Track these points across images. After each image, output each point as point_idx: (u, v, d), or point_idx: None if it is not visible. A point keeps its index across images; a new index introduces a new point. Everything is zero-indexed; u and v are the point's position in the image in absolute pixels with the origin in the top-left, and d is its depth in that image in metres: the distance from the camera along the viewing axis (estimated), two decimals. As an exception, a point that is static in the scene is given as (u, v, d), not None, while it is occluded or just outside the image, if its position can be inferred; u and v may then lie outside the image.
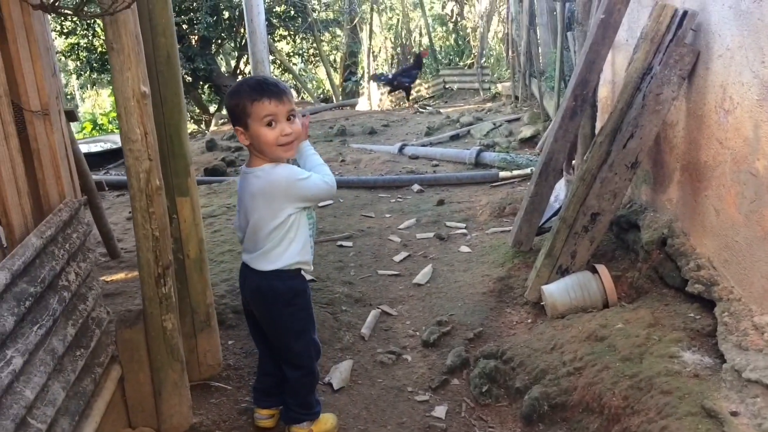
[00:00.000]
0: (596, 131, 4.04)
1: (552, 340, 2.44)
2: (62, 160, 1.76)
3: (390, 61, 21.41)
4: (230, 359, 2.56)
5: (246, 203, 1.97)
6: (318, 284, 3.31)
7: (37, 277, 1.45)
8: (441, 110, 11.17)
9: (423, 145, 6.86)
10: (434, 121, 8.52)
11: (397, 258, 3.74)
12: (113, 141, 8.55)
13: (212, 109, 14.60)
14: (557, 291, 2.72)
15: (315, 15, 15.27)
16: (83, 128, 18.03)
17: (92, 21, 11.91)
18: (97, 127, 17.97)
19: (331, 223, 4.47)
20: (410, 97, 17.11)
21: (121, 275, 3.51)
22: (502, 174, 5.21)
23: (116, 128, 17.22)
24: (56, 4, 1.61)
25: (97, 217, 3.58)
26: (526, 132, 6.26)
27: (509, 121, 7.76)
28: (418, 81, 17.77)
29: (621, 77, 3.43)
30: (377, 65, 21.83)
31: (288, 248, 1.95)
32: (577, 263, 2.79)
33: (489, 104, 12.11)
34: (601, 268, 2.71)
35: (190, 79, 12.74)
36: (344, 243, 4.01)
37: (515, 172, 5.19)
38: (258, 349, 2.21)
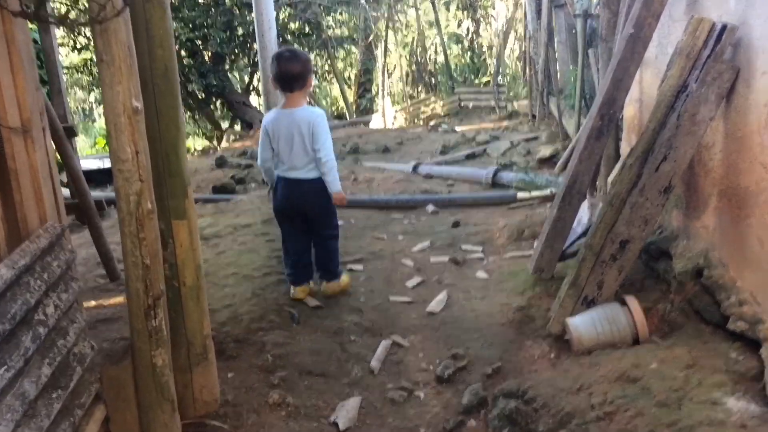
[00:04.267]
0: (621, 152, 3.88)
1: (578, 379, 2.25)
2: (44, 180, 1.63)
3: (405, 79, 21.43)
4: (229, 394, 2.40)
5: (291, 133, 3.07)
6: (325, 311, 3.15)
7: (6, 312, 1.31)
8: (456, 128, 11.05)
9: (438, 164, 6.72)
10: (449, 139, 8.39)
11: (410, 283, 3.58)
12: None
13: (224, 125, 14.59)
14: (583, 324, 2.53)
15: (329, 32, 15.27)
16: (96, 143, 18.12)
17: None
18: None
19: (342, 245, 4.28)
20: (426, 116, 17.06)
21: (118, 299, 3.38)
22: (520, 195, 5.04)
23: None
24: (40, 12, 1.48)
25: (96, 237, 3.46)
26: (545, 151, 6.10)
27: (527, 140, 7.61)
28: (432, 98, 17.72)
29: (649, 95, 3.27)
30: (391, 82, 21.84)
31: None
32: (604, 294, 2.61)
33: (506, 122, 11.97)
34: (631, 300, 2.53)
35: (202, 95, 12.76)
36: (354, 266, 3.85)
37: (534, 193, 5.01)
38: (294, 246, 3.31)
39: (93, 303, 3.22)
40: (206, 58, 12.53)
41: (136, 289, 1.75)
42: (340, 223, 4.52)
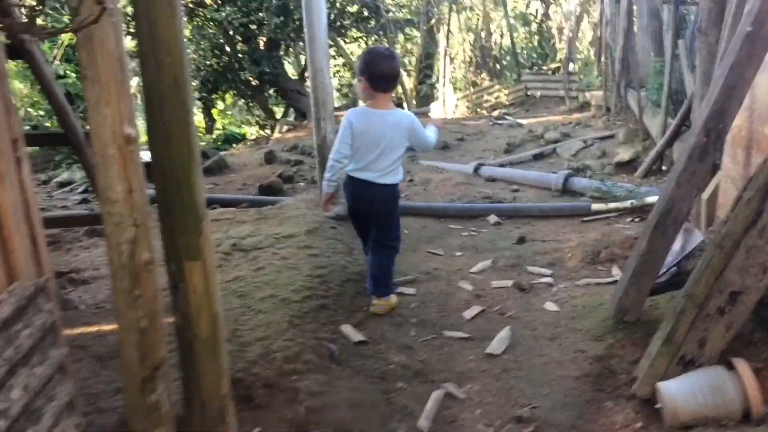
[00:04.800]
0: (722, 167, 3.37)
1: (676, 469, 1.85)
2: (17, 226, 1.35)
3: (467, 65, 20.81)
4: (253, 457, 2.11)
5: (380, 135, 3.06)
6: (370, 348, 2.82)
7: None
8: (522, 121, 10.50)
9: (502, 165, 6.28)
10: (515, 135, 7.91)
11: (468, 314, 3.20)
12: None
13: (279, 113, 14.46)
14: (680, 392, 2.11)
15: (388, 15, 14.86)
16: None
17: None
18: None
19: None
20: (489, 105, 16.47)
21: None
22: (595, 206, 4.57)
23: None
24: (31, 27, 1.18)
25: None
26: (624, 154, 5.56)
27: (601, 139, 7.06)
28: (497, 86, 17.10)
29: (764, 104, 2.78)
30: (453, 68, 21.27)
31: (399, 170, 3.19)
32: (706, 354, 2.18)
33: (576, 115, 11.32)
34: (741, 365, 2.09)
35: (256, 82, 12.61)
36: (406, 290, 3.51)
37: (611, 205, 4.53)
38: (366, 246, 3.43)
39: (94, 329, 2.96)
40: (261, 44, 12.36)
41: (130, 357, 1.46)
42: None
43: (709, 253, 2.13)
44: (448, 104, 18.60)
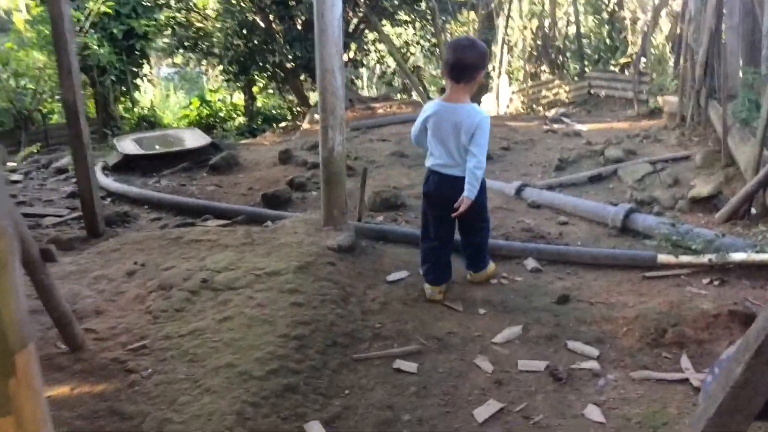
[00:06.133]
0: None
1: None
2: None
3: (527, 55, 19.81)
4: None
5: (448, 128, 3.26)
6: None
7: None
8: (580, 127, 9.65)
9: (550, 188, 5.52)
10: (569, 148, 7.11)
11: (481, 414, 2.53)
12: (174, 140, 7.82)
13: (312, 100, 13.88)
14: None
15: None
16: (191, 103, 18.00)
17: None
18: (205, 104, 17.84)
19: (395, 313, 3.32)
20: (547, 101, 15.54)
21: (66, 388, 2.59)
22: (663, 258, 3.80)
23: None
24: None
25: (46, 299, 2.67)
26: (701, 188, 4.74)
27: (674, 160, 6.21)
28: (557, 81, 16.13)
29: None
30: (511, 58, 20.30)
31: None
32: None
33: (645, 122, 10.38)
34: None
35: (291, 64, 12.03)
36: (404, 365, 2.85)
37: (683, 259, 3.76)
38: (438, 233, 3.47)
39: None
40: (298, 24, 11.76)
41: None
42: (402, 275, 3.78)
43: None
44: (502, 98, 17.70)
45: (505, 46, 20.04)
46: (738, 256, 3.62)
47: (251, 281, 3.43)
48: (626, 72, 16.42)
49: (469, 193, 3.23)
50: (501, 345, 3.06)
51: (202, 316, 3.12)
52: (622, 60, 16.78)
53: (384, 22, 13.72)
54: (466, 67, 3.22)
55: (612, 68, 16.51)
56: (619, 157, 6.19)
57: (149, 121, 15.48)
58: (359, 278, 3.72)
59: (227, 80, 12.41)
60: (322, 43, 3.88)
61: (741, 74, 7.10)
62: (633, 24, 18.30)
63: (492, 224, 4.70)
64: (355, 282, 3.64)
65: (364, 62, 15.61)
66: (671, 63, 16.11)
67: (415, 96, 14.89)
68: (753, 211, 4.31)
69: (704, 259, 3.69)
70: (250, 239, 4.05)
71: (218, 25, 10.81)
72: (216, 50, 10.81)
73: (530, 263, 3.95)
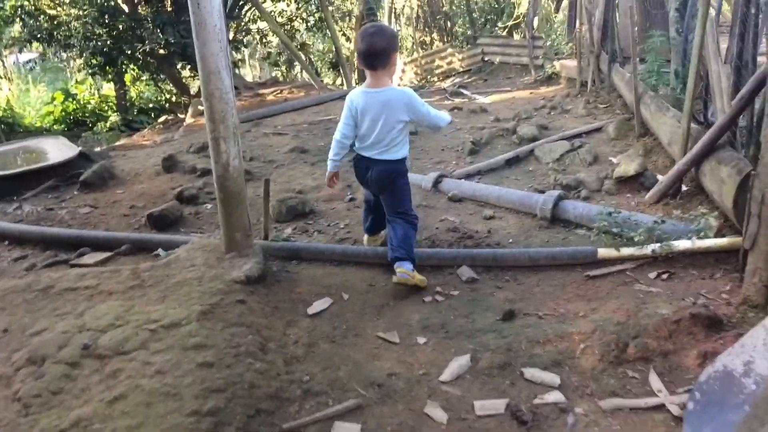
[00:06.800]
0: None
1: None
2: None
3: (415, 23, 19.59)
4: None
5: (378, 113, 3.43)
6: None
7: None
8: (482, 99, 9.49)
9: (469, 176, 5.24)
10: (479, 127, 6.87)
11: (444, 484, 2.18)
12: (35, 152, 6.89)
13: (194, 89, 12.98)
14: None
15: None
16: (54, 98, 16.48)
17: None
18: (71, 98, 16.43)
19: (324, 357, 2.92)
20: (441, 71, 15.38)
21: None
22: (603, 252, 3.60)
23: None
24: None
25: None
26: (627, 167, 4.58)
27: (587, 134, 6.10)
28: (449, 50, 15.99)
29: None
30: (399, 27, 20.01)
31: (403, 146, 3.58)
32: None
33: (545, 89, 10.41)
34: None
35: (164, 51, 11.10)
36: (344, 428, 2.46)
37: (624, 251, 3.58)
38: (372, 203, 3.87)
39: None
40: (167, 5, 10.84)
41: None
42: (325, 304, 3.45)
43: None
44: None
45: (393, 13, 19.76)
46: (682, 245, 3.46)
47: (145, 340, 2.90)
48: (514, 35, 16.54)
49: (444, 119, 3.64)
50: (451, 384, 2.72)
51: (86, 397, 2.58)
52: (510, 22, 16.88)
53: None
54: (378, 54, 3.37)
55: (499, 31, 16.57)
56: (534, 135, 6.00)
57: (7, 123, 14.01)
58: (276, 315, 3.28)
59: (91, 74, 11.31)
60: (203, 40, 3.34)
61: (635, 36, 7.08)
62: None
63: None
64: (272, 321, 3.20)
65: (245, 42, 14.77)
66: (558, 23, 16.37)
67: (306, 77, 14.25)
68: (683, 188, 4.21)
69: (647, 250, 3.52)
70: (139, 280, 3.48)
71: (75, 12, 9.73)
72: (74, 41, 9.74)
73: (465, 272, 3.64)
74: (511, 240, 4.12)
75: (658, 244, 3.48)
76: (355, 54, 3.59)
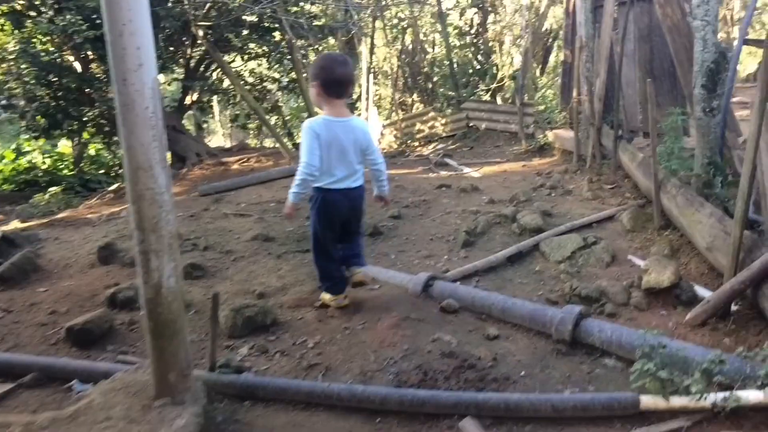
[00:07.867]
0: None
1: None
2: None
3: (395, 82, 19.26)
4: None
5: (348, 143, 3.69)
6: None
7: None
8: (471, 172, 8.92)
9: (465, 278, 4.55)
10: (472, 211, 6.23)
11: None
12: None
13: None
14: None
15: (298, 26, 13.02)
16: (3, 156, 15.76)
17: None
18: (21, 156, 15.74)
19: None
20: (422, 136, 14.90)
21: None
22: (647, 401, 2.90)
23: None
24: None
25: None
26: (659, 277, 3.92)
27: (598, 223, 5.50)
28: (431, 114, 15.58)
29: None
30: (378, 86, 19.69)
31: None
32: None
33: (538, 161, 9.91)
34: None
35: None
36: None
37: (675, 402, 2.87)
38: (335, 254, 4.02)
39: None
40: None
41: None
42: None
43: None
44: (373, 133, 16.92)
45: (371, 73, 19.44)
46: (753, 397, 2.78)
47: None
48: (498, 99, 16.23)
49: (387, 189, 4.08)
50: None
51: None
52: (493, 86, 16.59)
53: (231, 57, 12.46)
54: (351, 82, 3.78)
55: (482, 94, 16.25)
56: (538, 225, 5.36)
57: (-54, 187, 13.19)
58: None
59: (35, 137, 10.60)
60: (129, 127, 2.65)
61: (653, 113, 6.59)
62: (500, 46, 18.30)
63: (398, 354, 3.68)
64: None
65: (211, 104, 14.21)
66: (543, 88, 16.13)
67: (276, 144, 13.66)
68: (733, 307, 3.56)
69: (706, 402, 2.82)
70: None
71: (15, 69, 9.08)
72: (15, 102, 9.07)
73: (469, 428, 2.90)
74: (522, 372, 3.41)
75: (721, 395, 2.79)
76: (318, 81, 3.62)
